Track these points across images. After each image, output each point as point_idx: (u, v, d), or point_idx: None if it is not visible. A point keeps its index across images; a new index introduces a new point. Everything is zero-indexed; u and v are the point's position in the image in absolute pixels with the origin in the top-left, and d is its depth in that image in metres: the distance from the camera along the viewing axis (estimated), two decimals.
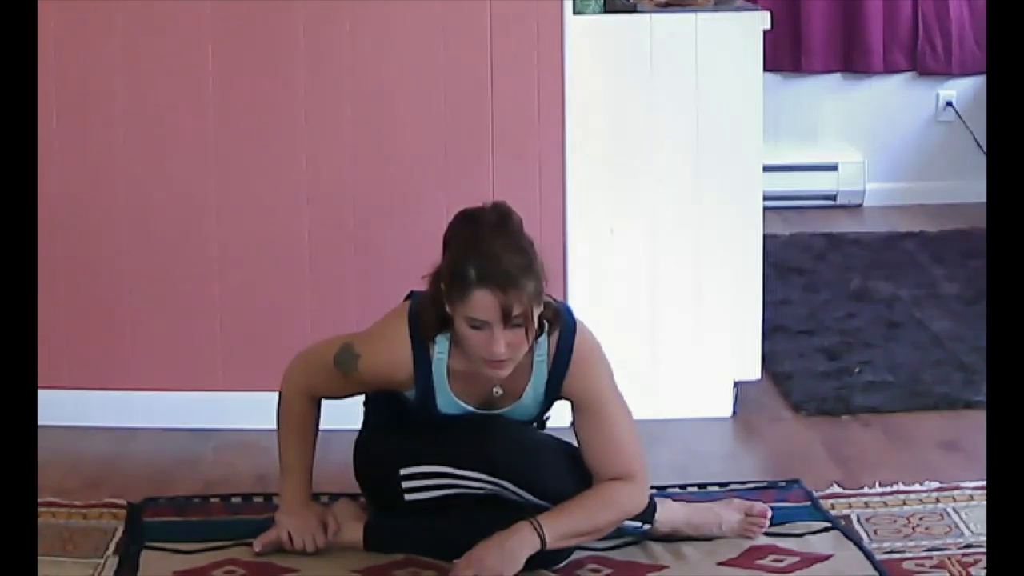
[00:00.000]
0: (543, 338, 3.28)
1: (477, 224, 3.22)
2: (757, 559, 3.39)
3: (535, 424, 3.42)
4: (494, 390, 3.31)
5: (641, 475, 3.33)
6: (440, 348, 3.28)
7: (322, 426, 3.44)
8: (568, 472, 3.32)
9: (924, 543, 3.45)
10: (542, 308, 3.20)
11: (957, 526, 3.53)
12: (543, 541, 3.23)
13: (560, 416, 3.43)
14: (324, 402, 3.42)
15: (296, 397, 3.40)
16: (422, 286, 3.39)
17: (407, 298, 3.38)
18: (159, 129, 4.09)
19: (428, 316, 3.25)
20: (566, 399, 3.35)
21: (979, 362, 4.61)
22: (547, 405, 3.39)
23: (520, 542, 3.23)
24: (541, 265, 3.19)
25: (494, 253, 3.13)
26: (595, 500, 3.30)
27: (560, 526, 3.25)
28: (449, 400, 3.31)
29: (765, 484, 3.79)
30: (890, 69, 6.99)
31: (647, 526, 3.42)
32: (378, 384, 3.34)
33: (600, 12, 4.20)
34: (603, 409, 3.32)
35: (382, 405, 3.42)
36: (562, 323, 3.30)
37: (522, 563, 3.22)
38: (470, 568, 3.20)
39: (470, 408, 3.33)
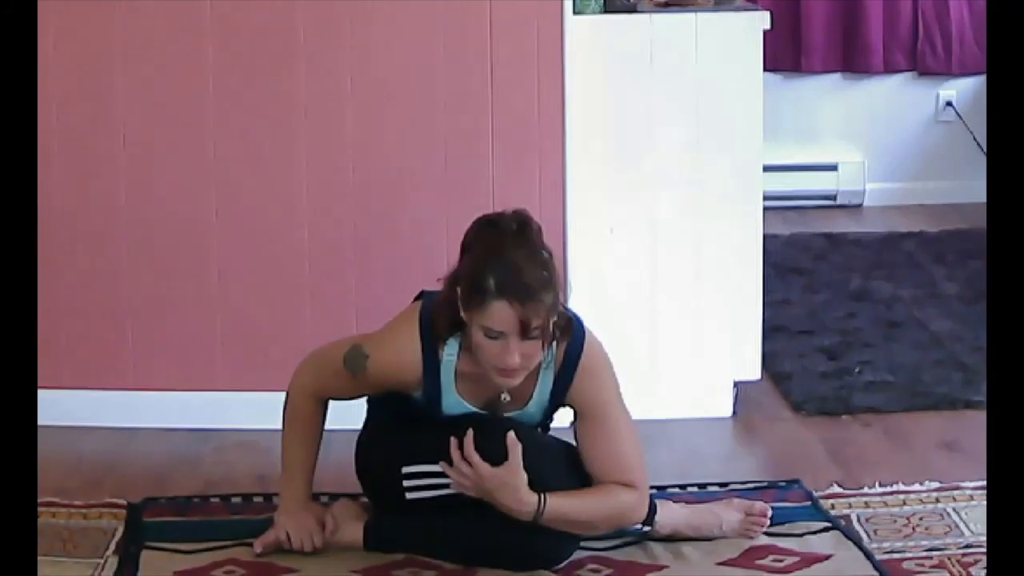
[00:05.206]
0: (552, 346, 3.27)
1: (498, 232, 3.21)
2: (757, 559, 3.39)
3: (538, 429, 3.42)
4: (502, 396, 3.31)
5: (641, 486, 3.34)
6: (450, 350, 3.28)
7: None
8: (568, 473, 3.32)
9: (924, 543, 3.45)
10: (556, 318, 3.20)
11: (957, 526, 3.53)
12: (542, 503, 3.22)
13: (561, 416, 3.43)
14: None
15: (303, 398, 3.40)
16: (422, 285, 3.40)
17: (417, 298, 3.38)
18: (159, 130, 4.09)
19: (441, 318, 3.25)
20: (570, 407, 3.36)
21: (979, 362, 4.61)
22: (551, 411, 3.39)
23: (521, 486, 3.21)
24: (559, 277, 3.19)
25: (516, 265, 3.13)
26: (596, 492, 3.32)
27: (560, 503, 3.25)
28: (455, 402, 3.32)
29: (765, 484, 3.79)
30: (890, 69, 6.99)
31: (647, 528, 3.43)
32: (386, 385, 3.34)
33: (600, 12, 4.20)
34: (606, 418, 3.32)
35: (384, 404, 3.42)
36: (572, 333, 3.30)
37: (511, 500, 3.21)
38: (472, 468, 3.20)
39: (474, 411, 3.33)
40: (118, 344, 4.17)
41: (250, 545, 3.40)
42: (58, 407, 4.02)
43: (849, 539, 3.46)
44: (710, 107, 4.19)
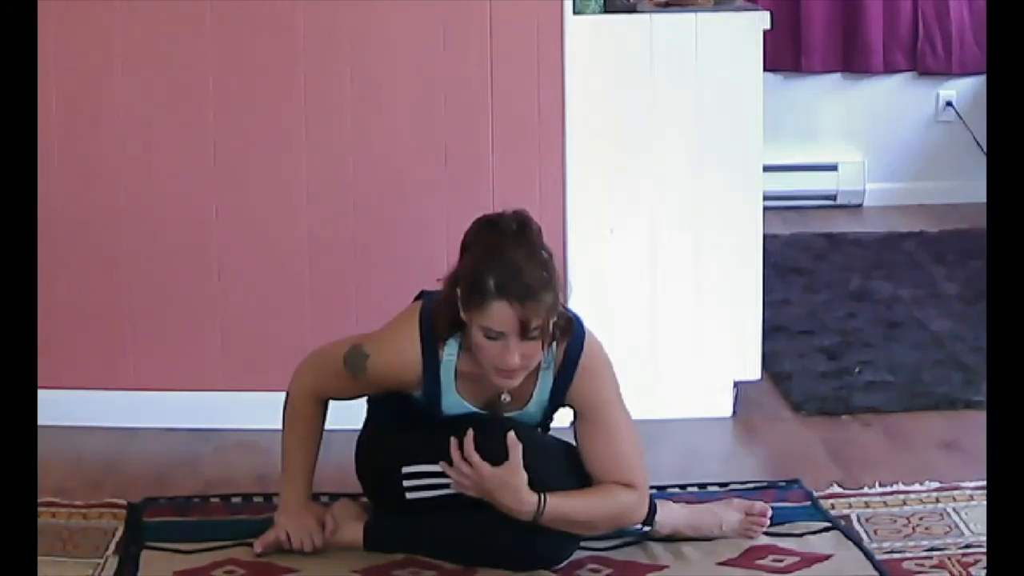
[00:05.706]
0: (551, 346, 3.27)
1: (498, 232, 3.22)
2: (757, 559, 3.39)
3: (538, 429, 3.42)
4: (502, 396, 3.31)
5: (641, 486, 3.34)
6: (450, 350, 3.28)
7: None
8: (568, 473, 3.32)
9: (924, 543, 3.45)
10: (556, 318, 3.20)
11: (957, 526, 3.53)
12: (542, 503, 3.23)
13: (561, 416, 3.43)
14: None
15: (303, 398, 3.40)
16: (422, 285, 3.40)
17: (418, 297, 3.38)
18: (159, 130, 4.09)
19: (441, 318, 3.25)
20: (570, 407, 3.36)
21: (979, 362, 4.61)
22: (551, 411, 3.39)
23: (521, 486, 3.22)
24: (559, 277, 3.19)
25: (516, 265, 3.13)
26: (596, 492, 3.32)
27: (560, 503, 3.25)
28: (454, 402, 3.32)
29: (765, 484, 3.79)
30: (890, 69, 6.99)
31: (647, 528, 3.43)
32: (386, 385, 3.34)
33: (600, 12, 4.20)
34: (606, 418, 3.32)
35: (384, 404, 3.42)
36: (572, 333, 3.30)
37: (511, 500, 3.21)
38: (472, 468, 3.20)
39: (474, 411, 3.33)
40: (118, 344, 4.17)
41: (250, 545, 3.40)
42: (58, 407, 4.02)
43: (849, 539, 3.46)
44: (710, 107, 4.19)
